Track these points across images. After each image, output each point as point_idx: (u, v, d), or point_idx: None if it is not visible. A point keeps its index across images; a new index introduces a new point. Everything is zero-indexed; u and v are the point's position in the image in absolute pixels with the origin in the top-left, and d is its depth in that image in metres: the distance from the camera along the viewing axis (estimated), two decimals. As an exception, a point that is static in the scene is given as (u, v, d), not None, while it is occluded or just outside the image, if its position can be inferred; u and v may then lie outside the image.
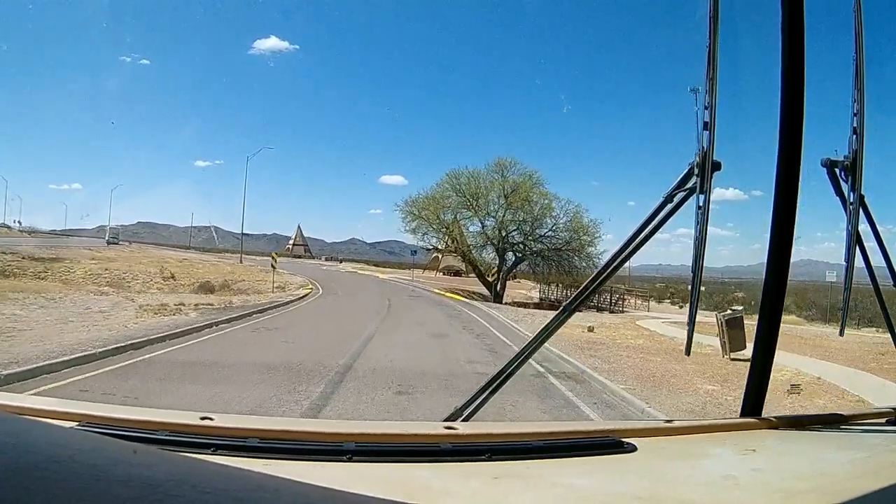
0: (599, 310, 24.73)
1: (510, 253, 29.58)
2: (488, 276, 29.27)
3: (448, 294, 25.58)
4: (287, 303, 15.88)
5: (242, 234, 31.99)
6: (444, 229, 29.87)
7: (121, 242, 41.58)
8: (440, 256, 40.85)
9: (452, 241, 30.11)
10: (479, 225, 30.01)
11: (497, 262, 29.65)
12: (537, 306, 26.61)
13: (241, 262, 32.15)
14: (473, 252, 30.38)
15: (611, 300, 27.13)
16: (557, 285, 31.15)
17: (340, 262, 52.98)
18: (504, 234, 29.20)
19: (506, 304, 24.98)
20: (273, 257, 22.49)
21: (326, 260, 55.69)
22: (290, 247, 63.00)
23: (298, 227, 66.25)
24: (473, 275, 37.79)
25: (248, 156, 32.84)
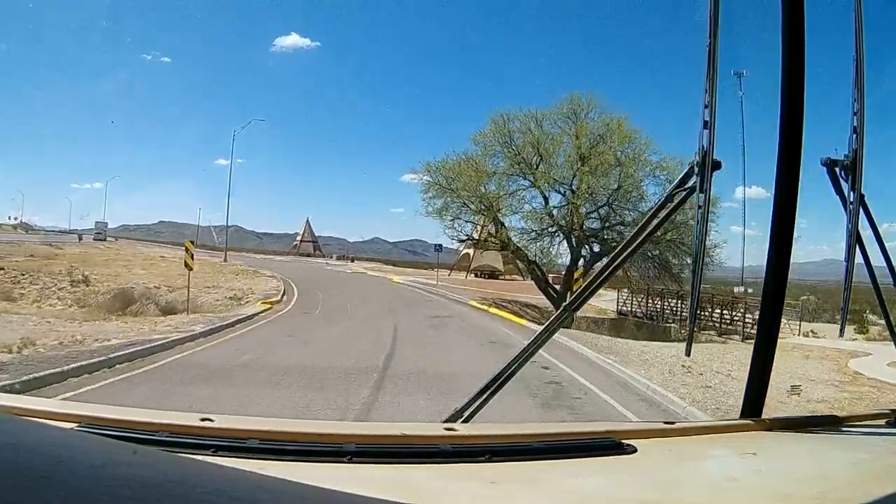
0: (723, 332, 16.05)
1: (581, 244, 18.73)
2: (548, 277, 19.29)
3: (492, 310, 16.47)
4: (179, 341, 8.40)
5: (227, 227, 28.35)
6: (485, 209, 18.83)
7: (108, 238, 41.19)
8: (472, 253, 31.86)
9: (496, 229, 19.34)
10: (542, 200, 18.71)
11: (564, 257, 19.07)
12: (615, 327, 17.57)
13: (225, 260, 28.79)
14: (528, 244, 18.88)
15: (744, 318, 16.02)
16: (648, 294, 20.47)
17: (352, 261, 48.40)
18: (581, 214, 18.16)
19: (580, 323, 16.23)
20: (187, 248, 13.20)
21: (338, 259, 50.88)
22: (298, 244, 58.61)
23: (307, 221, 60.89)
24: (515, 276, 30.31)
25: (236, 130, 28.60)
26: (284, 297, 15.85)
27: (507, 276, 33.27)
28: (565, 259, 19.24)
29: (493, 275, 33.90)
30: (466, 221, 20.14)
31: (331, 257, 53.27)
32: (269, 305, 13.70)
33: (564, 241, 18.97)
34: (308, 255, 53.35)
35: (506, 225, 19.42)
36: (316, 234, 61.46)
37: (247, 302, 14.50)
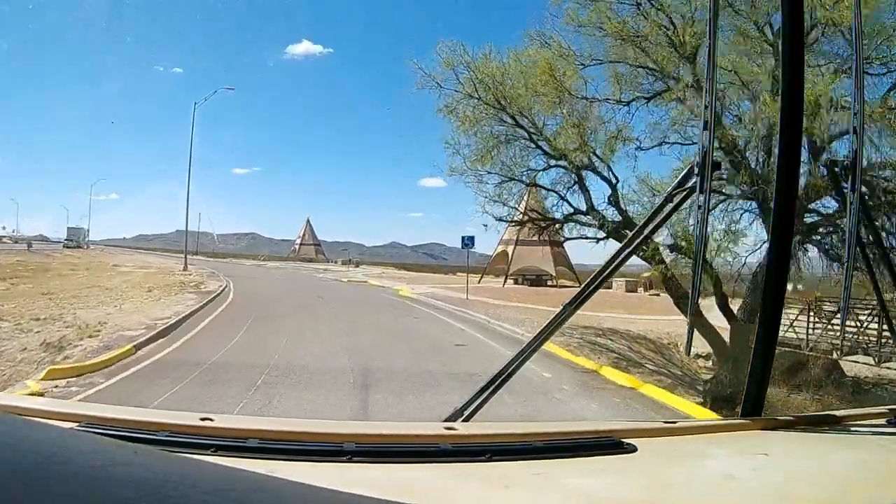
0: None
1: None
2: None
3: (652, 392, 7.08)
4: None
5: (187, 231, 25.73)
6: (575, 147, 9.01)
7: (83, 245, 39.07)
8: (511, 251, 24.67)
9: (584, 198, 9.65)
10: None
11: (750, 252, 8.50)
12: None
13: (185, 268, 24.20)
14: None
15: None
16: (811, 309, 8.24)
17: (357, 266, 42.96)
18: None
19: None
20: None
21: (343, 264, 44.78)
22: (297, 248, 53.05)
23: (307, 222, 53.79)
24: (564, 282, 23.52)
25: (197, 102, 25.54)
26: (144, 350, 8.06)
27: (561, 282, 24.53)
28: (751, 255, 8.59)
29: (539, 280, 24.52)
30: (528, 184, 10.00)
31: (335, 262, 47.62)
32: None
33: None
34: (310, 261, 47.90)
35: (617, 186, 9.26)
36: (334, 240, 56.62)
37: (66, 357, 7.82)
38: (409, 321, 12.46)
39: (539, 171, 9.87)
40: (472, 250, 17.35)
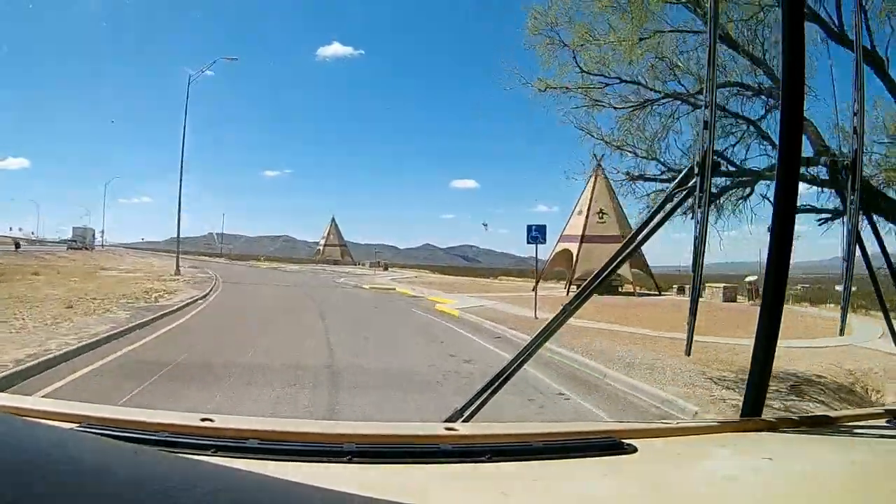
0: None
1: None
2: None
3: None
4: None
5: (179, 231, 25.43)
6: None
7: (89, 246, 38.33)
8: (576, 250, 20.17)
9: None
10: None
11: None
12: None
13: (177, 271, 22.79)
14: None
15: None
16: None
17: (385, 269, 40.45)
18: None
19: None
20: None
21: (371, 266, 41.95)
22: (321, 249, 49.44)
23: (332, 221, 49.85)
24: (639, 288, 18.59)
25: (192, 74, 24.01)
26: None
27: (636, 289, 19.64)
28: None
29: (609, 287, 18.65)
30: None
31: (362, 264, 43.67)
32: None
33: None
34: (335, 262, 44.62)
35: None
36: (367, 242, 53.61)
37: None
38: (464, 372, 6.81)
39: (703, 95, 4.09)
40: (518, 253, 13.16)
